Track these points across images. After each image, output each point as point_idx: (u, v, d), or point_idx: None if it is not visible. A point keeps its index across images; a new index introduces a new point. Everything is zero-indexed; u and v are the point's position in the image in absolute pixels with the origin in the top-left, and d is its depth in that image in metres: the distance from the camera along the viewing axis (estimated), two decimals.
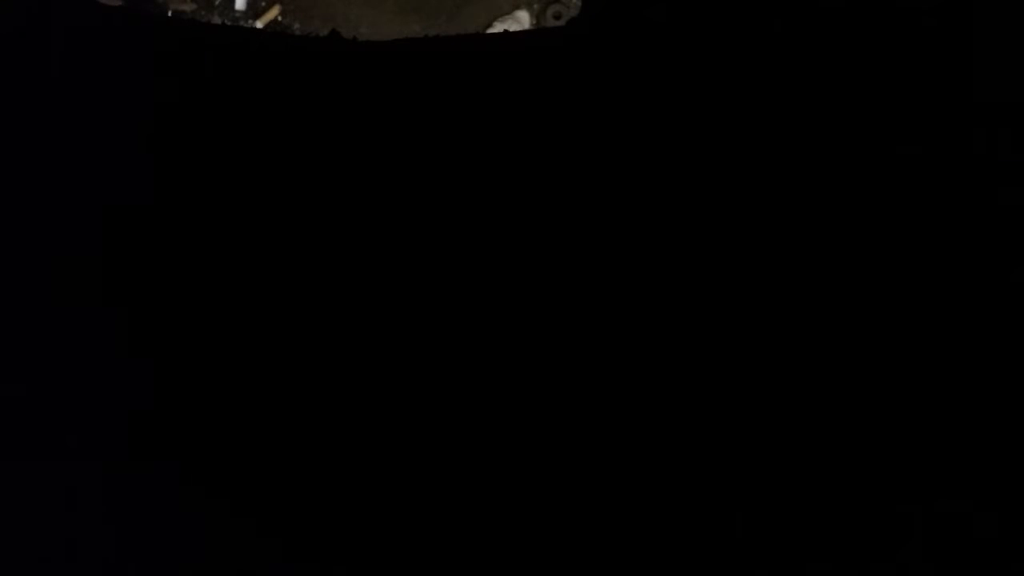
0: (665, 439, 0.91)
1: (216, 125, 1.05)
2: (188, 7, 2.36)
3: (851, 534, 0.86)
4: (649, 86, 1.02)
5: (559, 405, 0.93)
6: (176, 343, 0.96)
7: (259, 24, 2.41)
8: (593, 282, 0.96)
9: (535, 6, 2.40)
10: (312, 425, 0.94)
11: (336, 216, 1.01)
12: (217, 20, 2.40)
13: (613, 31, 1.11)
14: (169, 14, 2.32)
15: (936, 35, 0.93)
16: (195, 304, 0.98)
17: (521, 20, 2.40)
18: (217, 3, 2.41)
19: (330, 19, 2.38)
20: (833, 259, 0.91)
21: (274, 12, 2.42)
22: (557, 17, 2.38)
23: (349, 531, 0.92)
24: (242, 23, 2.41)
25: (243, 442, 0.94)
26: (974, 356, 0.86)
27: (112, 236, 0.99)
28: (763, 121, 0.97)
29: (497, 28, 2.37)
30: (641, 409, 0.92)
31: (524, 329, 0.95)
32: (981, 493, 0.84)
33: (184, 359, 0.96)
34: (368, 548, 0.91)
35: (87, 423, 0.93)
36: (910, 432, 0.86)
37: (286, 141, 1.04)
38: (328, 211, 1.01)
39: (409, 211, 1.01)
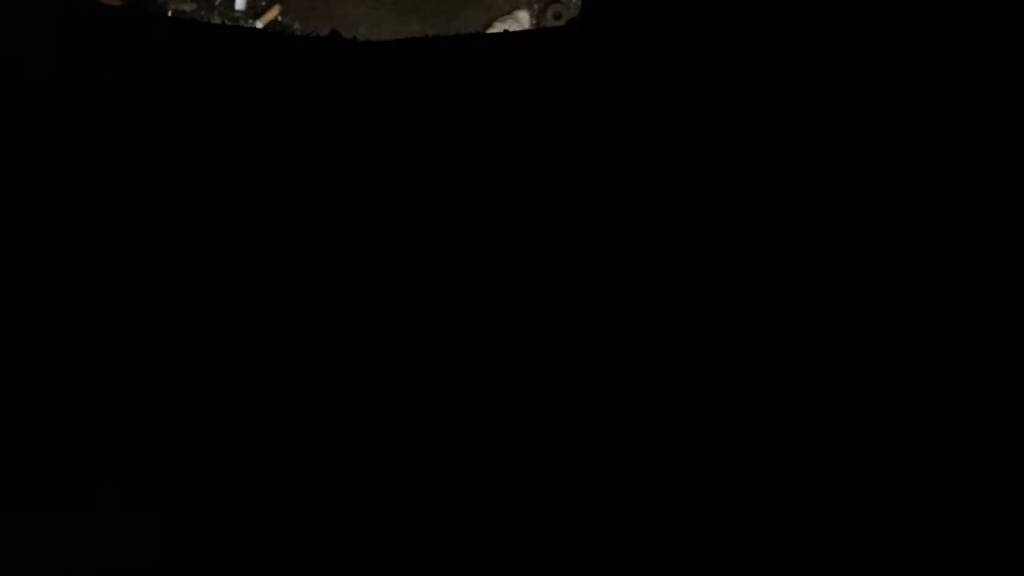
0: (664, 439, 0.91)
1: (216, 125, 1.05)
2: (188, 7, 2.36)
3: (850, 534, 0.86)
4: (648, 86, 1.02)
5: (558, 404, 0.93)
6: (175, 343, 0.96)
7: (259, 24, 2.41)
8: (593, 281, 0.96)
9: (535, 6, 2.40)
10: (311, 425, 0.94)
11: (336, 215, 1.01)
12: (217, 20, 2.40)
13: (613, 31, 1.11)
14: (169, 14, 2.32)
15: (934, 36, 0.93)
16: (194, 304, 0.98)
17: (521, 20, 2.40)
18: (217, 3, 2.40)
19: (330, 19, 2.38)
20: (832, 258, 0.91)
21: (274, 12, 2.42)
22: (557, 17, 2.38)
23: (349, 530, 0.92)
24: (242, 23, 2.41)
25: (243, 442, 0.94)
26: (974, 357, 0.86)
27: (112, 236, 0.99)
28: (761, 120, 0.97)
29: (497, 28, 2.37)
30: (640, 409, 0.92)
31: (524, 328, 0.95)
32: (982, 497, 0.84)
33: (184, 359, 0.96)
34: (368, 547, 0.92)
35: (88, 423, 0.93)
36: (909, 433, 0.86)
37: (286, 140, 1.04)
38: (328, 210, 1.01)
39: (408, 210, 1.01)
